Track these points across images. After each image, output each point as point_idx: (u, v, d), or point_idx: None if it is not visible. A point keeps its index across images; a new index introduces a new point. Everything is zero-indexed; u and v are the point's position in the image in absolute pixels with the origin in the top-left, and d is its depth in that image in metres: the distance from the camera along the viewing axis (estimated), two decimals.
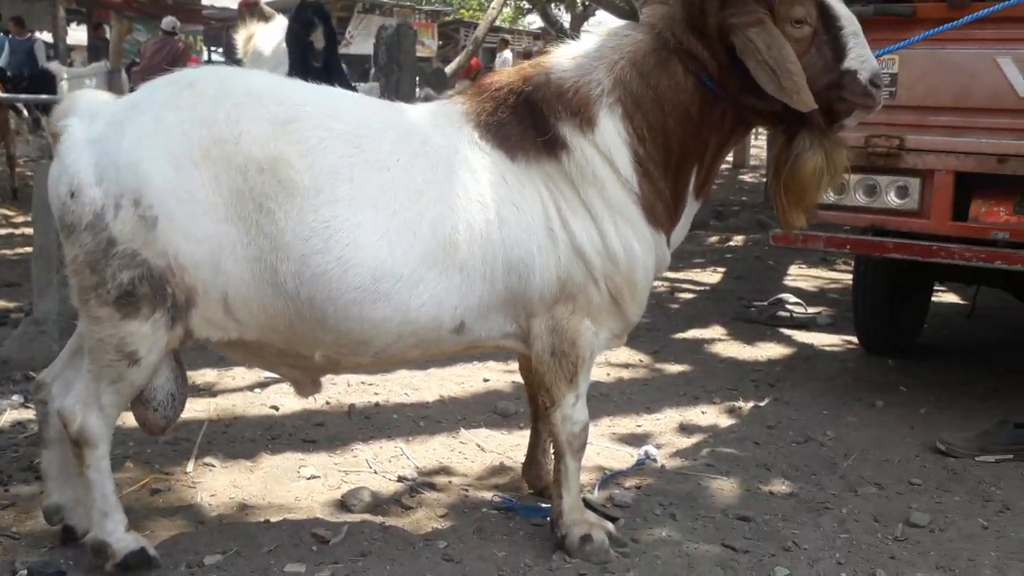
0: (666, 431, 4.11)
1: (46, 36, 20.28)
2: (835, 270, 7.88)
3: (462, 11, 30.57)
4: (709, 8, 2.56)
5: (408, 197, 2.48)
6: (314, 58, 7.35)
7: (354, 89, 7.68)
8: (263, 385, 4.37)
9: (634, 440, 3.96)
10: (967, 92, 3.94)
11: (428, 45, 26.13)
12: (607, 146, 2.62)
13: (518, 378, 3.88)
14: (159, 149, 2.34)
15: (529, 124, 2.64)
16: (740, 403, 4.49)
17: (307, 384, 2.78)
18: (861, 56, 2.53)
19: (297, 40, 7.44)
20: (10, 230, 8.83)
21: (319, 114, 2.48)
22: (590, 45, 2.75)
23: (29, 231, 8.06)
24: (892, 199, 4.14)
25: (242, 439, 3.76)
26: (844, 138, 2.66)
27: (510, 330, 2.71)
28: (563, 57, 2.75)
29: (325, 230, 2.38)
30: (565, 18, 24.15)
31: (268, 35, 8.59)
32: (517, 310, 2.66)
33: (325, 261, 2.39)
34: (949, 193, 4.01)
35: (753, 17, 2.48)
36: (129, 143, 2.35)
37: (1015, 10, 3.87)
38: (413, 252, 2.46)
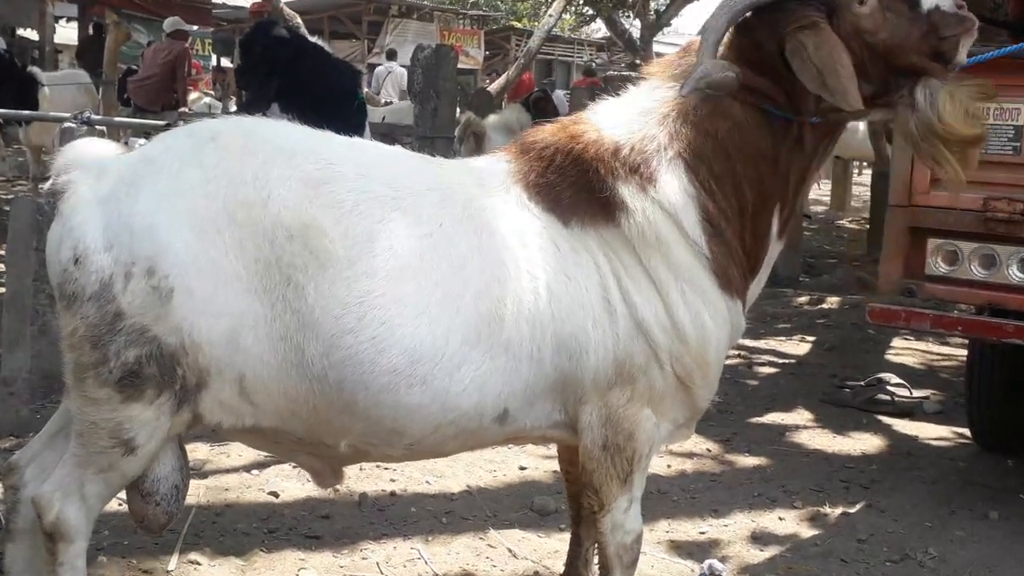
0: (735, 540, 4.12)
1: (31, 34, 21.05)
2: (948, 344, 7.83)
3: (513, 21, 31.06)
4: (762, 37, 2.68)
5: (451, 267, 2.56)
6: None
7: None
8: (262, 465, 4.45)
9: (696, 551, 3.98)
10: None
11: (473, 56, 26.54)
12: (672, 204, 2.70)
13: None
14: (179, 212, 2.42)
15: (582, 185, 2.72)
16: (826, 508, 4.49)
17: (328, 475, 2.84)
18: None
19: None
20: None
21: (354, 174, 2.57)
22: (628, 101, 2.87)
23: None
24: (1014, 273, 4.12)
25: (234, 531, 3.84)
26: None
27: (558, 419, 2.75)
28: (606, 114, 2.86)
29: (359, 306, 2.45)
30: (635, 27, 24.40)
31: None
32: (567, 395, 2.71)
33: (358, 341, 2.45)
34: None
35: (806, 21, 2.62)
36: (145, 204, 2.42)
37: None
38: (455, 330, 2.53)
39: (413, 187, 2.63)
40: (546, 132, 2.87)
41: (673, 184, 2.70)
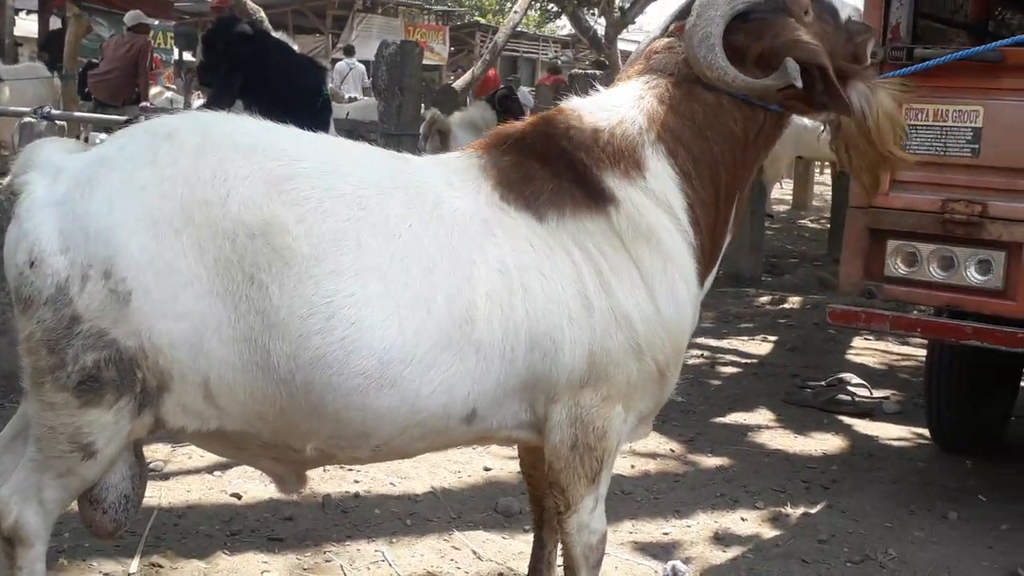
0: (698, 541, 4.15)
1: None
2: (908, 344, 7.91)
3: (478, 17, 31.07)
4: (738, 42, 2.75)
5: (421, 268, 2.53)
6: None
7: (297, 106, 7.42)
8: (224, 467, 4.43)
9: (659, 551, 4.00)
10: None
11: (438, 52, 26.50)
12: (663, 191, 2.72)
13: None
14: (134, 212, 2.39)
15: (566, 178, 2.71)
16: (788, 509, 4.53)
17: (292, 480, 2.81)
18: (842, 3, 3.00)
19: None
20: None
21: (319, 171, 2.54)
22: (603, 94, 2.90)
23: None
24: (972, 275, 4.18)
25: (196, 534, 3.82)
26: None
27: (524, 419, 2.74)
28: (584, 102, 2.86)
29: (327, 307, 2.43)
30: (600, 24, 24.45)
31: None
32: (536, 394, 2.70)
33: (326, 343, 2.43)
34: None
35: (793, 25, 2.76)
36: (99, 205, 2.39)
37: None
38: (426, 332, 2.51)
39: (380, 185, 2.59)
40: (521, 124, 2.86)
41: (660, 170, 2.73)
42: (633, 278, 2.68)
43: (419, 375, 2.51)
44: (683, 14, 2.86)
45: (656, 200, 2.71)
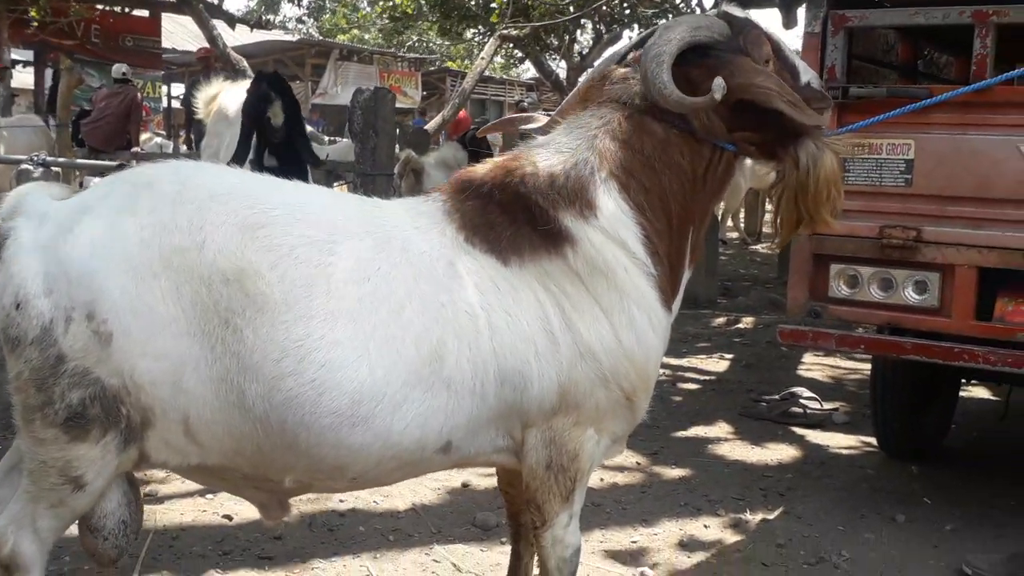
0: (664, 548, 4.14)
1: None
2: (854, 359, 7.97)
3: (449, 62, 31.21)
4: (693, 75, 2.70)
5: (389, 311, 2.51)
6: (272, 134, 7.52)
7: (318, 162, 7.83)
8: (215, 490, 4.37)
9: (629, 558, 4.00)
10: (990, 181, 4.05)
11: (411, 95, 26.56)
12: (614, 227, 2.68)
13: None
14: (115, 258, 2.37)
15: (523, 221, 2.69)
16: (747, 515, 4.53)
17: (274, 507, 2.78)
18: (805, 67, 2.95)
19: (253, 114, 7.58)
20: None
21: (291, 218, 2.51)
22: (559, 132, 2.85)
23: None
24: (910, 295, 4.23)
25: (190, 554, 3.78)
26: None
27: (502, 444, 2.73)
28: (540, 147, 2.83)
29: (298, 350, 2.40)
30: (561, 68, 24.64)
31: (234, 95, 8.76)
32: (511, 423, 2.68)
33: (298, 384, 2.40)
34: (972, 290, 4.09)
35: (752, 67, 2.70)
36: (81, 251, 2.37)
37: None
38: (395, 371, 2.48)
39: (350, 231, 2.57)
40: (482, 169, 2.83)
41: (611, 207, 2.68)
42: (594, 313, 2.65)
43: (390, 412, 2.48)
44: (642, 44, 2.82)
45: (609, 236, 2.67)
